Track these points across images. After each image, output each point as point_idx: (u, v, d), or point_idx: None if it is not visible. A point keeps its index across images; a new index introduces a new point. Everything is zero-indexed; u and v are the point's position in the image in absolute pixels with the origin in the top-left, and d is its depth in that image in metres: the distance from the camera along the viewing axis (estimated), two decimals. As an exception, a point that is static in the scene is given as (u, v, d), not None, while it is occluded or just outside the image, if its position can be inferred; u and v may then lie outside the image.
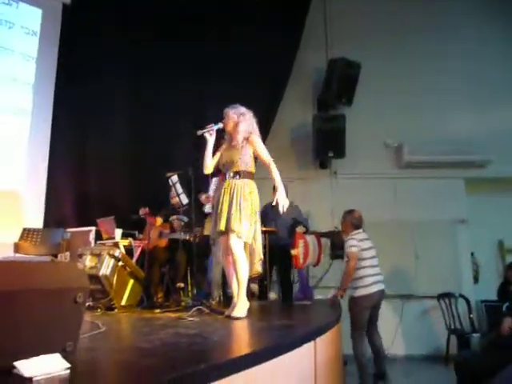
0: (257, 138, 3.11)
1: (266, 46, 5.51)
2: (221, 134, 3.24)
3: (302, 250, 4.31)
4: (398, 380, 4.14)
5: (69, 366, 1.35)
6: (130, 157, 5.21)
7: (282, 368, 1.89)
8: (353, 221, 4.01)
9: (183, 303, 3.68)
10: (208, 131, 3.14)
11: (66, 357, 1.41)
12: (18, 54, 5.09)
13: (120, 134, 5.27)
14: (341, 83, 5.74)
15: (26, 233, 4.43)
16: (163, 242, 4.36)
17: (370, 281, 3.80)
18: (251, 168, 3.09)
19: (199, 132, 3.14)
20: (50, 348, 1.43)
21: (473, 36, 5.96)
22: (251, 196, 2.99)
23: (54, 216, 4.99)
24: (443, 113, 5.76)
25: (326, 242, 5.23)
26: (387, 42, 6.01)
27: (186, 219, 4.28)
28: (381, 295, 3.87)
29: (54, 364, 1.35)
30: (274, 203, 3.02)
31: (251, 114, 3.15)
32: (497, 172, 5.68)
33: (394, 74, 5.90)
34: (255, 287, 4.45)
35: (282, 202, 2.97)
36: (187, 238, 4.11)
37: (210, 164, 3.18)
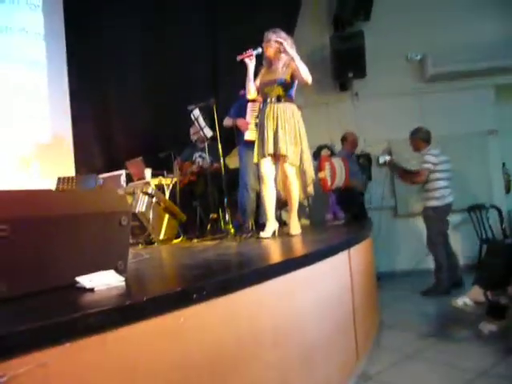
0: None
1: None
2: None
3: (329, 172, 4.33)
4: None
5: (123, 278, 1.47)
6: (150, 95, 5.19)
7: (319, 274, 1.99)
8: (423, 136, 4.29)
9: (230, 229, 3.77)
10: (248, 56, 3.12)
11: (119, 274, 1.54)
12: (23, 2, 4.98)
13: (138, 74, 5.23)
14: (356, -3, 5.41)
15: (61, 181, 4.58)
16: (192, 178, 4.46)
17: (447, 192, 4.16)
18: (292, 92, 3.15)
19: (238, 57, 3.12)
20: (104, 266, 1.55)
21: None
22: (294, 118, 3.08)
23: (84, 163, 5.12)
24: (467, 17, 5.39)
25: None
26: None
27: (204, 155, 4.32)
28: (451, 206, 4.27)
29: (110, 277, 1.47)
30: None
31: (292, 40, 3.16)
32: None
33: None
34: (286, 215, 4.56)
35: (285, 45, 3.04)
36: (214, 168, 4.17)
37: (253, 88, 3.20)
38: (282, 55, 3.12)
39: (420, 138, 4.30)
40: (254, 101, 3.94)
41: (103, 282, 1.41)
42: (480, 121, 5.44)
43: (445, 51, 5.38)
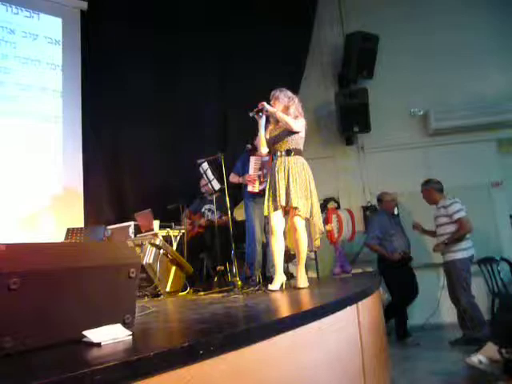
0: (303, 120, 3.29)
1: (281, 29, 5.54)
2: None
3: (336, 225, 4.35)
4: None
5: (130, 332, 1.47)
6: (160, 148, 5.36)
7: (328, 329, 1.96)
8: (437, 187, 4.30)
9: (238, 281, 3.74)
10: (258, 112, 3.28)
11: (125, 328, 1.53)
12: (44, 63, 5.30)
13: (149, 128, 5.42)
14: (360, 57, 5.69)
15: (70, 233, 4.64)
16: (200, 230, 4.50)
17: (470, 243, 4.19)
18: (300, 146, 3.27)
19: (251, 114, 3.27)
20: (112, 320, 1.54)
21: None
22: (304, 172, 3.18)
23: (94, 214, 5.20)
24: (468, 74, 5.62)
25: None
26: (404, 9, 5.89)
27: (213, 208, 4.39)
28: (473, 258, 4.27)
29: (117, 331, 1.46)
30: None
31: (298, 98, 3.35)
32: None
33: (413, 41, 5.78)
34: (294, 268, 4.54)
35: (266, 105, 3.22)
36: (222, 221, 4.22)
37: (265, 143, 3.33)
38: (290, 111, 3.26)
39: (434, 189, 4.31)
40: (255, 155, 4.10)
41: (110, 336, 1.40)
42: (485, 173, 5.50)
43: (447, 106, 5.57)
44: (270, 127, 3.38)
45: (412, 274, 4.69)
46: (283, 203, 3.10)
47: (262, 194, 3.99)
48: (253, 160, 4.16)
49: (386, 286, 4.59)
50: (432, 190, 4.30)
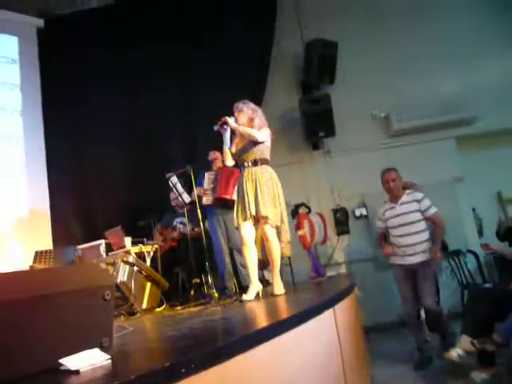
0: (267, 129, 3.34)
1: (242, 39, 5.61)
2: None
3: (308, 229, 4.41)
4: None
5: (109, 356, 1.45)
6: (128, 164, 5.30)
7: (306, 335, 1.99)
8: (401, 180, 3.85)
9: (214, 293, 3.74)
10: (222, 124, 3.29)
11: (103, 352, 1.51)
12: (1, 83, 5.15)
13: (114, 144, 5.35)
14: (320, 64, 5.79)
15: (39, 255, 4.51)
16: (173, 244, 4.46)
17: None
18: (267, 155, 3.32)
19: (215, 127, 3.30)
20: (89, 345, 1.52)
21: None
22: (272, 181, 3.23)
23: (62, 235, 5.07)
24: (426, 76, 5.82)
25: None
26: (362, 14, 6.06)
27: (185, 221, 4.38)
28: None
29: (95, 356, 1.44)
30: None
31: (261, 110, 3.41)
32: (486, 127, 5.76)
33: (372, 45, 5.93)
34: (269, 275, 4.57)
35: (228, 120, 3.26)
36: (195, 233, 4.21)
37: (230, 155, 3.35)
38: (255, 122, 3.30)
39: (400, 179, 3.83)
40: (210, 170, 4.26)
41: (88, 362, 1.38)
42: (446, 170, 5.71)
43: (407, 107, 5.75)
44: (236, 140, 3.41)
45: None
46: (253, 212, 3.13)
47: (219, 205, 4.07)
48: (206, 175, 4.24)
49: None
50: (400, 179, 3.78)
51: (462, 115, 5.71)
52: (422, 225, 3.63)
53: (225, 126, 3.27)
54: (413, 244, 3.62)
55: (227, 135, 3.30)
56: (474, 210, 5.91)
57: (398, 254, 3.73)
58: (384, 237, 3.92)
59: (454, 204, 5.66)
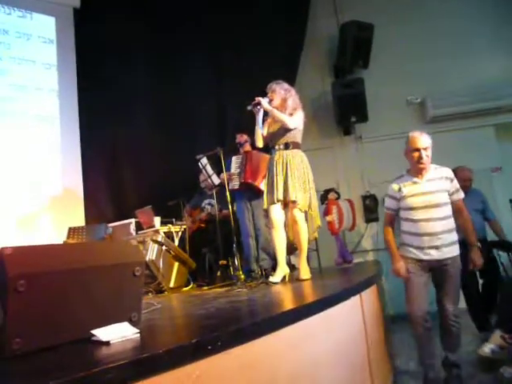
0: (300, 112, 3.28)
1: (276, 21, 5.52)
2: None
3: (337, 215, 4.37)
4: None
5: (138, 330, 1.48)
6: (159, 145, 5.35)
7: (332, 320, 1.98)
8: None
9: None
10: (256, 105, 3.23)
11: (132, 326, 1.55)
12: (39, 63, 5.27)
13: (146, 125, 5.41)
14: (355, 47, 5.65)
15: (72, 231, 4.66)
16: (201, 225, 4.51)
17: None
18: (298, 139, 3.27)
19: (248, 107, 3.25)
20: (118, 318, 1.56)
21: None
22: (302, 165, 3.19)
23: (94, 213, 5.21)
24: (464, 61, 5.59)
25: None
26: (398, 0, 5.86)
27: (214, 202, 4.40)
28: None
29: (125, 330, 1.48)
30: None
31: (294, 90, 3.34)
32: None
33: (408, 29, 5.73)
34: (296, 260, 4.57)
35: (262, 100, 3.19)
36: (223, 215, 4.24)
37: (261, 136, 3.31)
38: (288, 103, 3.25)
39: None
40: (238, 154, 4.21)
41: (118, 334, 1.42)
42: (483, 159, 5.49)
43: (443, 93, 5.55)
44: (269, 120, 3.36)
45: None
46: (280, 197, 3.11)
47: (245, 190, 4.05)
48: (234, 159, 4.22)
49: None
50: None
51: (502, 102, 5.46)
52: (449, 209, 2.78)
53: (258, 107, 3.23)
54: (439, 233, 2.70)
55: (260, 116, 3.26)
56: (511, 201, 5.69)
57: (413, 246, 2.79)
58: (393, 226, 2.98)
59: (490, 194, 5.44)
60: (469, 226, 2.85)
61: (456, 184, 2.82)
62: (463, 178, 4.01)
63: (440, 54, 5.66)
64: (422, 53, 5.70)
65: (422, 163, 2.73)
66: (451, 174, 2.82)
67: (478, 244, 2.83)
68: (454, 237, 2.76)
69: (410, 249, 2.80)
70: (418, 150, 2.75)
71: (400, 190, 2.83)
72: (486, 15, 5.65)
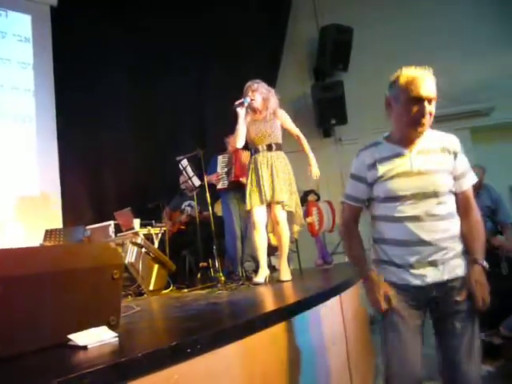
0: (283, 112, 3.35)
1: (256, 23, 5.54)
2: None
3: (317, 217, 4.40)
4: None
5: (116, 334, 1.46)
6: (139, 146, 5.30)
7: (312, 321, 2.00)
8: None
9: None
10: (240, 104, 3.24)
11: (111, 329, 1.53)
12: (14, 62, 5.15)
13: (125, 126, 5.34)
14: (334, 50, 5.73)
15: (49, 234, 4.55)
16: (181, 227, 4.49)
17: None
18: (280, 140, 3.33)
19: (234, 106, 3.23)
20: (97, 322, 1.54)
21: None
22: (287, 167, 3.24)
23: (72, 215, 5.12)
24: (441, 66, 5.62)
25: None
26: (378, 1, 5.95)
27: (193, 204, 4.38)
28: None
29: (103, 334, 1.46)
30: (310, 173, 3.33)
31: (273, 91, 3.38)
32: (501, 118, 5.67)
33: (387, 33, 5.84)
34: (276, 261, 4.58)
35: (316, 171, 3.37)
36: (203, 216, 4.23)
37: (243, 136, 3.29)
38: (271, 103, 3.28)
39: None
40: (224, 153, 4.22)
41: (96, 338, 1.40)
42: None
43: (421, 97, 5.65)
44: (249, 119, 3.35)
45: None
46: (268, 198, 3.11)
47: (234, 189, 4.04)
48: (220, 158, 4.22)
49: None
50: None
51: (478, 106, 5.62)
52: (454, 202, 1.67)
53: (241, 107, 3.22)
54: (440, 240, 1.59)
55: (242, 115, 3.25)
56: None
57: (395, 264, 1.65)
58: (356, 227, 1.85)
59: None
60: (477, 235, 1.64)
61: (464, 162, 1.69)
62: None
63: (416, 57, 5.68)
64: (401, 55, 5.79)
65: (422, 125, 1.62)
66: (457, 145, 1.71)
67: (485, 263, 1.60)
68: (461, 246, 1.63)
69: (390, 268, 1.66)
70: (419, 100, 1.63)
71: (375, 166, 1.71)
72: (464, 16, 5.78)
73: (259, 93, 3.27)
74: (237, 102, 3.21)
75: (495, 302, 2.77)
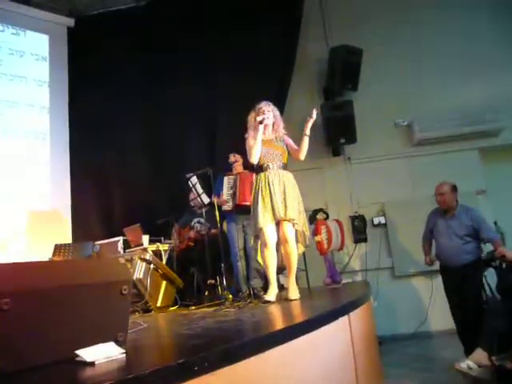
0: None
1: (267, 44, 5.63)
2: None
3: (326, 235, 4.38)
4: (440, 353, 4.17)
5: (124, 350, 1.46)
6: (149, 164, 5.37)
7: (320, 341, 1.98)
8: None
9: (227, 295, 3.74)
10: (261, 122, 3.27)
11: (118, 346, 1.53)
12: (31, 80, 5.30)
13: (136, 143, 5.44)
14: (344, 70, 5.77)
15: (58, 249, 4.60)
16: (190, 243, 4.50)
17: None
18: (286, 160, 3.38)
19: (258, 119, 3.26)
20: (104, 338, 1.54)
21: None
22: (296, 186, 3.30)
23: (82, 231, 5.16)
24: (451, 86, 5.74)
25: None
26: (387, 22, 6.02)
27: (202, 221, 4.42)
28: None
29: (110, 350, 1.46)
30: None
31: (278, 112, 3.51)
32: (510, 139, 5.65)
33: (396, 53, 5.90)
34: (284, 280, 4.56)
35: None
36: (212, 234, 4.24)
37: (258, 153, 3.28)
38: (280, 125, 3.38)
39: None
40: (229, 172, 4.27)
41: (103, 354, 1.40)
42: (468, 182, 5.57)
43: (431, 117, 5.67)
44: (262, 139, 3.38)
45: None
46: (281, 214, 3.12)
47: (238, 211, 4.08)
48: (226, 179, 4.25)
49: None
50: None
51: (487, 126, 5.60)
52: None
53: (262, 123, 3.26)
54: None
55: (261, 132, 3.28)
56: (495, 223, 5.76)
57: None
58: None
59: (475, 217, 5.54)
60: None
61: None
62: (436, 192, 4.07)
63: (428, 77, 5.81)
64: (410, 75, 5.85)
65: None
66: None
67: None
68: None
69: None
70: None
71: None
72: (474, 38, 5.81)
73: (273, 113, 3.40)
74: (259, 118, 3.25)
75: (507, 325, 2.73)
